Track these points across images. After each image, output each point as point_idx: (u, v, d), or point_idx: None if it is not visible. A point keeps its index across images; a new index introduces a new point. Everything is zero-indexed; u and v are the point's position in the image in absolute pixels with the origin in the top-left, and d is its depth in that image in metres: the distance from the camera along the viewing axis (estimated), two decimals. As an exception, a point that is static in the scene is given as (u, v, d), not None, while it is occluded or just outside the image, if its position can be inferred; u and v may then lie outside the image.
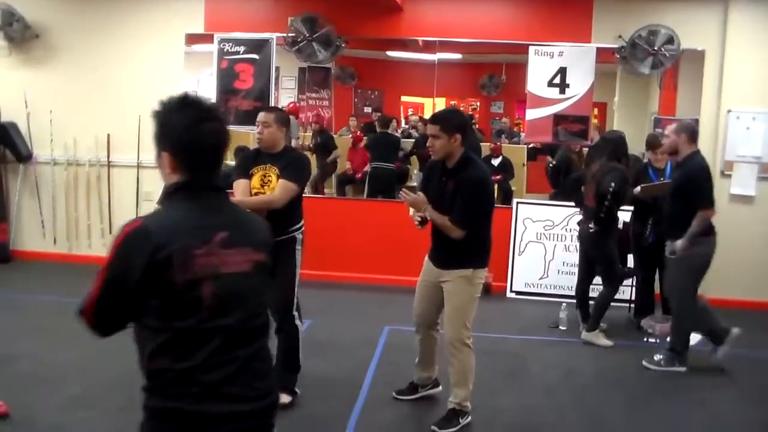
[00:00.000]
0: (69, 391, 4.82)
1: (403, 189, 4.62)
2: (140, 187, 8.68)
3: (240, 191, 4.72)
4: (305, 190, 4.96)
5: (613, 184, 6.12)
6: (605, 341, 6.38)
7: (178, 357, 2.02)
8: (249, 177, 4.75)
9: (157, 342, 2.03)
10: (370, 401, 4.97)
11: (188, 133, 2.08)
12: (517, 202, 8.22)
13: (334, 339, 6.29)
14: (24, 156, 8.66)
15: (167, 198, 2.14)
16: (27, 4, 8.57)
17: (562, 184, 8.11)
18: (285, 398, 4.67)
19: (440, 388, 5.00)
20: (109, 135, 8.69)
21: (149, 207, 7.77)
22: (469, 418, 4.59)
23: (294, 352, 4.89)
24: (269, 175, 4.70)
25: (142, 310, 2.02)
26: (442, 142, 4.36)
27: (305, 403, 4.91)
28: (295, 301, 4.82)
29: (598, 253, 6.41)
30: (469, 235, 4.37)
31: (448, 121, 4.43)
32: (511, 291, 8.06)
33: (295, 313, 4.84)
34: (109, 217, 8.85)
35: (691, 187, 5.58)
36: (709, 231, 5.66)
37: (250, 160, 4.83)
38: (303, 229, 4.84)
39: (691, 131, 5.75)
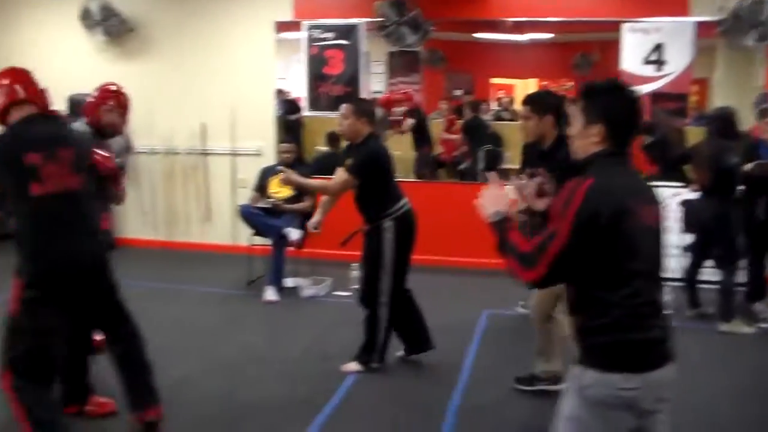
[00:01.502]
0: (173, 373, 4.94)
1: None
2: (235, 174, 8.83)
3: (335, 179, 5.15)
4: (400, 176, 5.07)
5: (736, 160, 6.00)
6: (747, 328, 6.13)
7: (628, 296, 2.37)
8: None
9: (609, 284, 2.39)
10: (471, 386, 4.94)
11: (626, 111, 2.52)
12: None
13: (432, 323, 6.26)
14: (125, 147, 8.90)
15: (600, 161, 2.50)
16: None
17: (663, 161, 7.89)
18: (353, 366, 5.13)
19: (562, 386, 4.75)
20: (204, 124, 8.85)
21: (245, 194, 7.90)
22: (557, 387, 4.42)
23: (371, 334, 5.13)
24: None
25: (593, 257, 2.37)
26: (533, 123, 4.30)
27: (404, 386, 4.96)
28: (384, 286, 5.01)
29: (722, 233, 6.22)
30: None
31: (538, 102, 4.37)
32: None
33: (382, 300, 5.03)
34: (206, 205, 9.03)
35: None
36: None
37: (344, 153, 5.18)
38: (396, 216, 4.98)
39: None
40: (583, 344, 2.48)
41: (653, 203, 2.53)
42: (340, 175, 4.99)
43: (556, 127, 4.30)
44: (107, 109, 4.64)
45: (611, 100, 2.52)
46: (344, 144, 5.42)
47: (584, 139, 2.54)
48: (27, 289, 3.56)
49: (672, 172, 6.84)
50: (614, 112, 2.51)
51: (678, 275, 6.88)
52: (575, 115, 2.57)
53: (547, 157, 4.30)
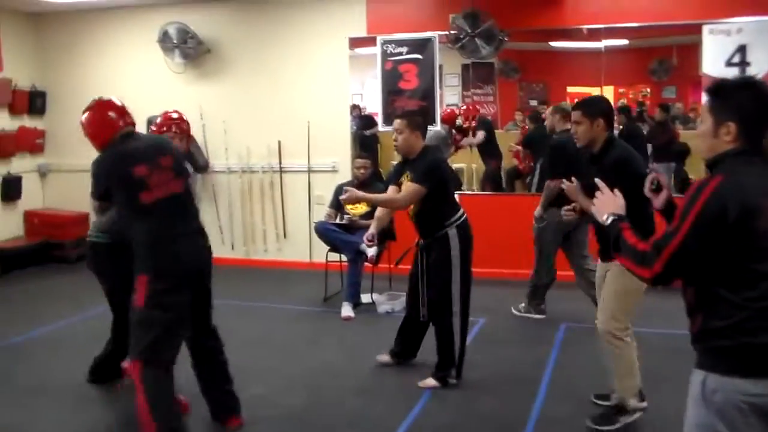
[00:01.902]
0: (252, 391, 4.97)
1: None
2: (311, 191, 8.88)
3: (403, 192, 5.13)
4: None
5: None
6: None
7: (754, 298, 2.31)
8: (399, 185, 5.14)
9: (734, 285, 2.33)
10: (549, 400, 4.85)
11: (759, 108, 2.46)
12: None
13: (508, 337, 6.21)
14: (201, 166, 9.02)
15: (731, 159, 2.45)
16: (198, 21, 8.96)
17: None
18: (430, 382, 5.10)
19: (645, 404, 4.46)
20: (279, 142, 8.95)
21: (321, 210, 7.93)
22: (634, 417, 4.33)
23: (447, 348, 5.10)
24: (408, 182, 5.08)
25: (718, 256, 2.34)
26: (584, 128, 4.32)
27: (482, 400, 4.89)
28: (455, 296, 5.03)
29: None
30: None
31: (589, 106, 4.40)
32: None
33: (455, 309, 5.04)
34: (283, 222, 9.11)
35: None
36: None
37: (399, 169, 5.23)
38: (458, 224, 5.03)
39: None
40: (704, 347, 2.43)
41: None
42: (408, 186, 4.98)
43: (606, 130, 4.34)
44: (169, 136, 4.94)
45: (743, 97, 2.48)
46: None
47: (714, 138, 2.50)
48: (151, 283, 3.88)
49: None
50: (747, 109, 2.46)
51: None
52: (704, 114, 2.54)
53: (596, 161, 4.34)
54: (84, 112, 4.14)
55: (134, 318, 3.94)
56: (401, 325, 5.50)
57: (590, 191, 4.28)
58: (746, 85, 2.52)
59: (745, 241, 2.32)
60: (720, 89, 2.54)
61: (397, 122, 5.07)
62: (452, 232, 4.98)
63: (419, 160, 5.02)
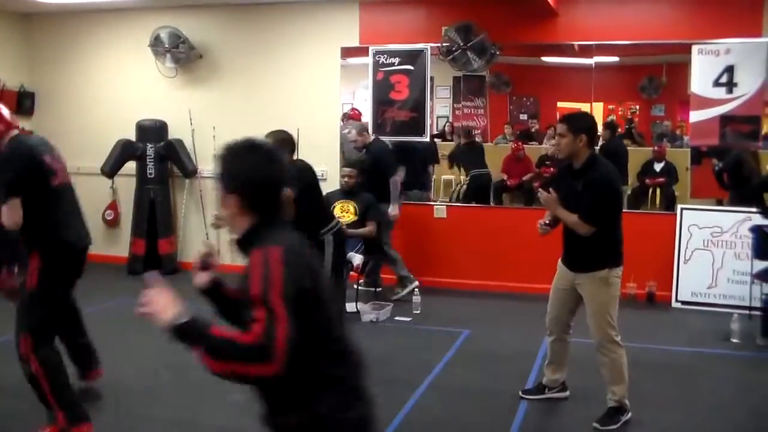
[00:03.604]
0: (234, 396, 4.96)
1: (540, 188, 4.73)
2: (299, 198, 8.87)
3: None
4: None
5: None
6: None
7: (353, 365, 2.28)
8: None
9: (332, 360, 2.22)
10: (530, 413, 4.86)
11: (261, 175, 2.31)
12: (682, 208, 7.87)
13: (492, 350, 6.21)
14: (189, 171, 9.04)
15: (264, 232, 2.27)
16: (191, 26, 8.96)
17: (736, 187, 7.72)
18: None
19: (568, 393, 5.00)
20: (269, 149, 8.92)
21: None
22: (629, 415, 4.57)
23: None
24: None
25: (306, 332, 2.08)
26: (567, 141, 4.49)
27: (464, 414, 4.90)
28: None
29: None
30: (600, 235, 4.42)
31: (574, 121, 4.59)
32: (677, 301, 7.71)
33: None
34: (269, 229, 9.07)
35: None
36: None
37: None
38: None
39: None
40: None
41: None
42: None
43: (589, 147, 4.52)
44: None
45: (242, 165, 2.25)
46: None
47: (228, 209, 2.27)
48: (44, 262, 4.15)
49: (751, 198, 6.66)
50: (248, 180, 2.24)
51: (745, 303, 6.75)
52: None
53: (578, 176, 4.54)
54: None
55: (24, 296, 4.18)
56: None
57: (571, 201, 4.48)
58: (246, 149, 2.29)
59: (321, 309, 2.16)
60: (225, 154, 2.28)
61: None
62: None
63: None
